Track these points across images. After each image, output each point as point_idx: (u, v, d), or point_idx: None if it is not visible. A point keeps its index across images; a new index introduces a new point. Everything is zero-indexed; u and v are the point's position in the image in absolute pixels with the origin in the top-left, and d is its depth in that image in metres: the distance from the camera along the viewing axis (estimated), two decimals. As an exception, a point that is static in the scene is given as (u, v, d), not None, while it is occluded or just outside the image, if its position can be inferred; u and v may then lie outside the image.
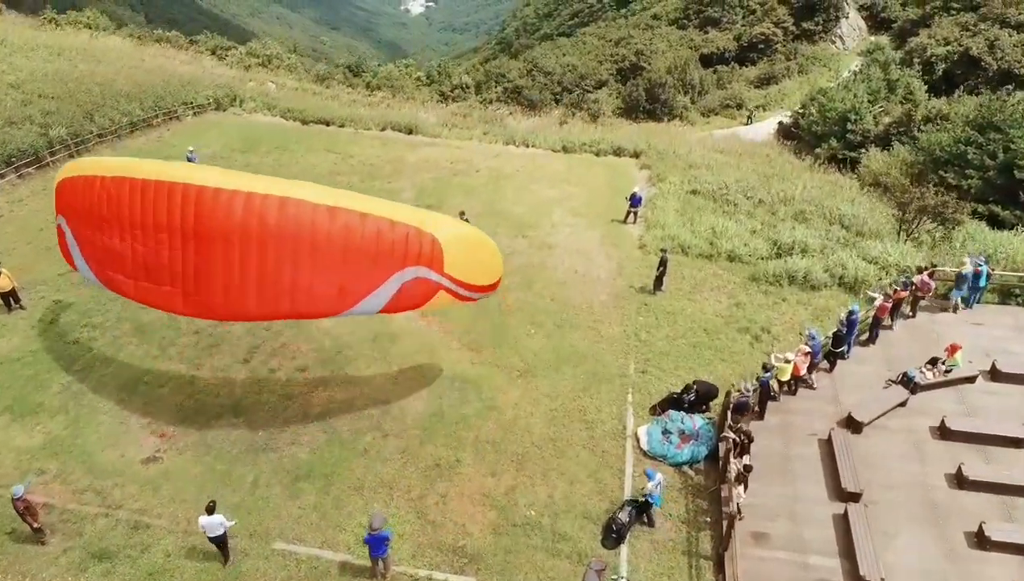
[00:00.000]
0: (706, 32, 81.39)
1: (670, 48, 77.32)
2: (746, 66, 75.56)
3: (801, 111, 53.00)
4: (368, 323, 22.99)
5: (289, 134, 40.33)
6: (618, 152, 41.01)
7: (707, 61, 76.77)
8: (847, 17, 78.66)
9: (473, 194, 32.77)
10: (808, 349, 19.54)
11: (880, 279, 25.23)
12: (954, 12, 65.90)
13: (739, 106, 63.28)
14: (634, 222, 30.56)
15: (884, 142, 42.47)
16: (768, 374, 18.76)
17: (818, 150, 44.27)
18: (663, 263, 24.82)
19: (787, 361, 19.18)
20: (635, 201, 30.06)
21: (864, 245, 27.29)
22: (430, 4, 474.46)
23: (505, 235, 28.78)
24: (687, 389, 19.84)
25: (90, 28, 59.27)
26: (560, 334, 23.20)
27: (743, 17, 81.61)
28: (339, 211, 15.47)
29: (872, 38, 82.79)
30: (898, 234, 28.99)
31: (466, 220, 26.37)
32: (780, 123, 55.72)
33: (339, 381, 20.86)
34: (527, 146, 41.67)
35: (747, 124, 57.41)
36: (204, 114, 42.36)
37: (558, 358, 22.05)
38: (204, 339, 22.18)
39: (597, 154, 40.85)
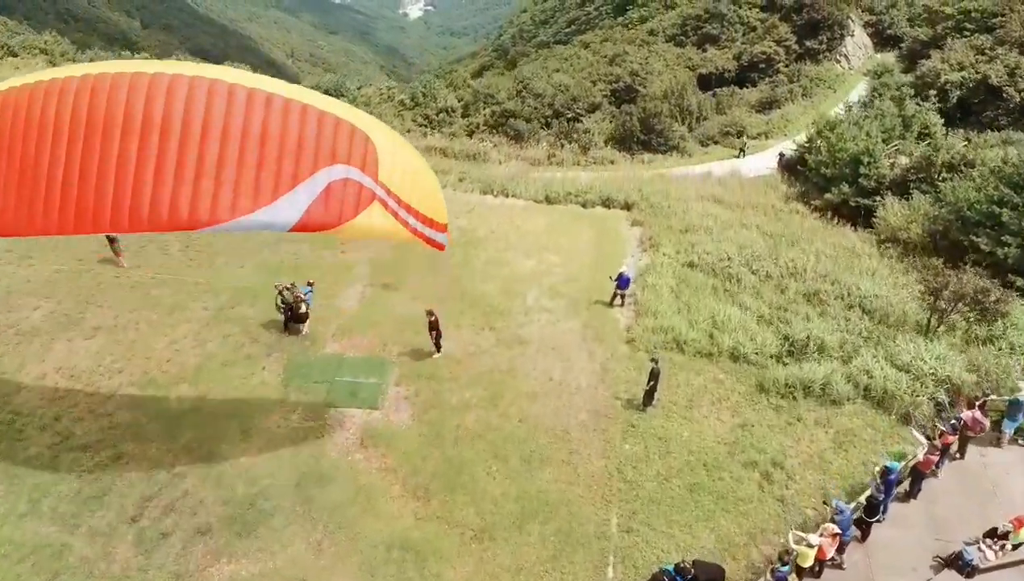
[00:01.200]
0: (704, 50, 76.76)
1: (667, 68, 72.75)
2: (746, 87, 70.97)
3: (807, 145, 48.46)
4: (292, 461, 18.59)
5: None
6: (607, 203, 36.58)
7: (705, 82, 72.20)
8: (852, 35, 74.10)
9: (437, 266, 28.25)
10: (836, 529, 15.10)
11: (914, 394, 20.75)
12: (967, 33, 61.31)
13: (739, 134, 58.69)
14: (621, 305, 26.07)
15: (902, 189, 37.91)
16: (786, 567, 14.37)
17: (828, 195, 39.69)
18: (654, 376, 20.36)
19: (810, 545, 14.76)
20: (622, 282, 25.55)
21: (892, 345, 22.77)
22: (429, 8, 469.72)
23: (470, 326, 24.34)
24: (682, 571, 15.36)
25: (46, 53, 54.73)
26: (528, 473, 18.72)
27: (743, 34, 77.00)
28: (258, 93, 12.84)
29: (878, 56, 78.24)
30: (927, 324, 24.50)
31: (434, 320, 22.03)
32: (781, 155, 51.27)
33: (248, 550, 16.39)
34: (506, 196, 37.17)
35: (739, 157, 52.86)
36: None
37: (523, 511, 17.58)
38: (88, 486, 17.68)
39: (584, 205, 36.40)
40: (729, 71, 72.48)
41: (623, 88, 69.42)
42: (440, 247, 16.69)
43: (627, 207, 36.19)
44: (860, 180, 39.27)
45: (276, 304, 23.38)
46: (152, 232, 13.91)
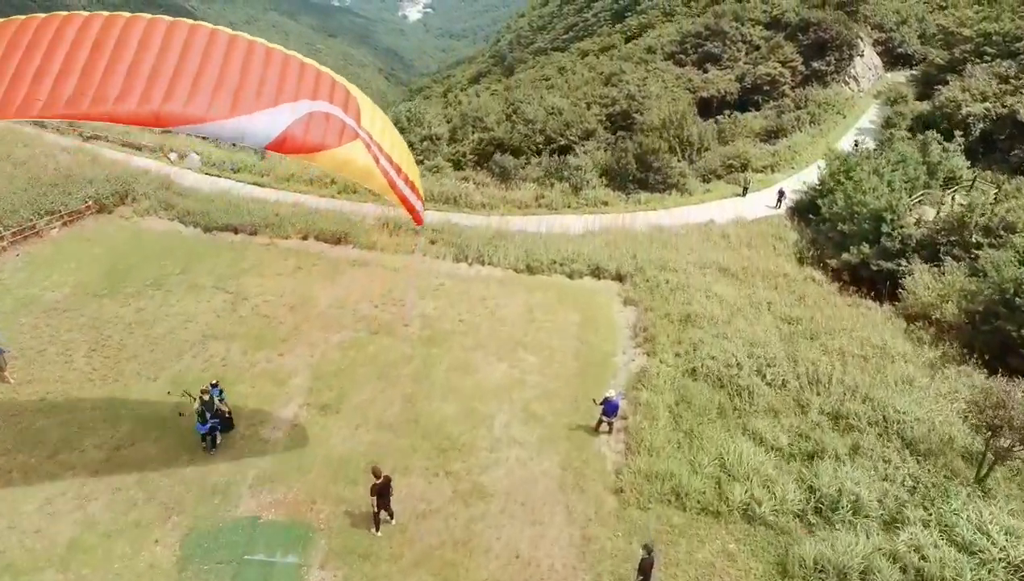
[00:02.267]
0: (705, 70, 71.69)
1: (665, 90, 67.70)
2: (749, 111, 66.01)
3: (820, 187, 43.67)
4: None
5: (178, 253, 30.82)
6: (597, 273, 31.71)
7: (706, 106, 67.21)
8: (862, 55, 69.02)
9: (390, 376, 23.39)
10: None
11: (981, 588, 15.93)
12: (988, 58, 56.21)
13: (744, 167, 53.83)
14: (609, 433, 21.23)
15: (931, 252, 33.09)
16: None
17: (845, 255, 34.80)
18: (644, 570, 15.56)
19: None
20: (609, 408, 20.65)
21: (945, 506, 17.91)
22: (428, 10, 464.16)
23: (422, 471, 19.45)
24: None
25: None
26: None
27: (746, 54, 71.94)
28: (244, 37, 14.10)
29: (889, 76, 73.28)
30: (981, 463, 19.66)
31: (382, 484, 17.04)
32: (781, 193, 46.51)
33: None
34: (482, 263, 32.28)
35: (742, 195, 48.01)
36: (81, 222, 32.90)
37: None
38: None
39: (571, 276, 31.53)
40: (731, 94, 67.44)
41: (619, 113, 64.45)
42: (418, 220, 16.47)
43: (619, 278, 31.33)
44: (882, 239, 34.42)
45: (197, 412, 19.03)
46: (120, 123, 12.69)
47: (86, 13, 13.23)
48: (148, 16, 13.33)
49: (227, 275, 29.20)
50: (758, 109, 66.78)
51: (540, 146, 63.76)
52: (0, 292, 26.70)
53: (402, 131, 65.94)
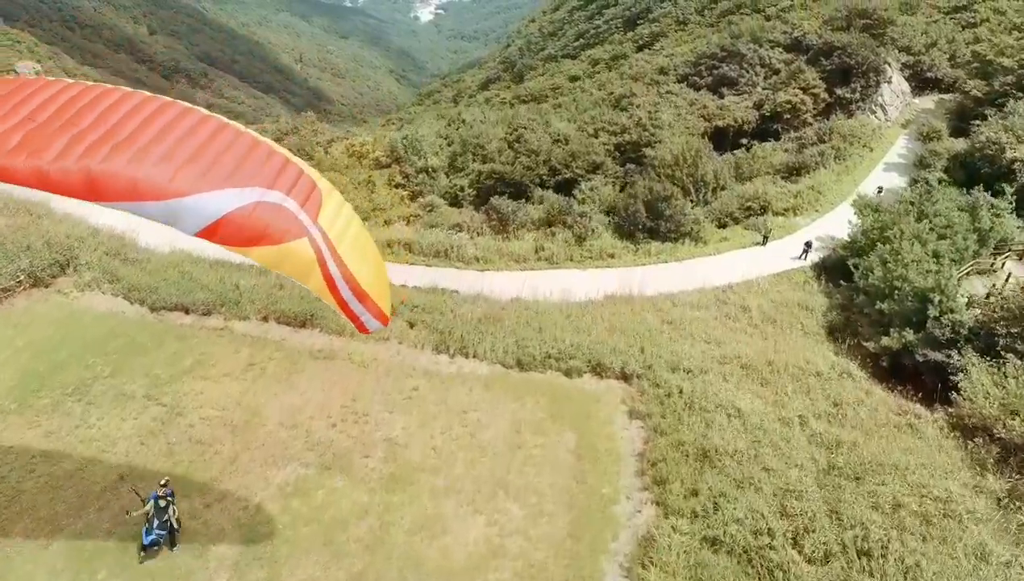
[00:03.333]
0: (720, 96, 66.35)
1: (678, 119, 62.55)
2: (768, 141, 60.77)
3: (851, 245, 38.83)
4: None
5: (113, 346, 26.17)
6: (598, 369, 26.87)
7: (722, 136, 61.97)
8: (889, 81, 63.57)
9: (337, 541, 18.65)
10: None
11: None
12: (1033, 93, 50.88)
13: (763, 209, 48.84)
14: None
15: (986, 344, 28.09)
16: None
17: (885, 340, 29.78)
18: None
19: None
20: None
21: None
22: (440, 12, 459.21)
23: None
24: None
25: None
26: None
27: (765, 78, 66.60)
28: (213, 116, 12.98)
29: (917, 101, 67.81)
30: None
31: None
32: (808, 245, 41.59)
33: None
34: (466, 356, 27.48)
35: (762, 245, 43.07)
36: (10, 300, 28.32)
37: None
38: None
39: (568, 374, 26.70)
40: (749, 123, 62.15)
41: (629, 144, 59.43)
42: (364, 330, 14.73)
43: (625, 378, 26.52)
44: (929, 324, 29.41)
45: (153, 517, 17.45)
46: (40, 189, 10.89)
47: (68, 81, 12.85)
48: (105, 86, 12.91)
49: (164, 378, 24.56)
50: (777, 139, 61.50)
51: (544, 178, 58.96)
52: None
53: (397, 161, 61.40)
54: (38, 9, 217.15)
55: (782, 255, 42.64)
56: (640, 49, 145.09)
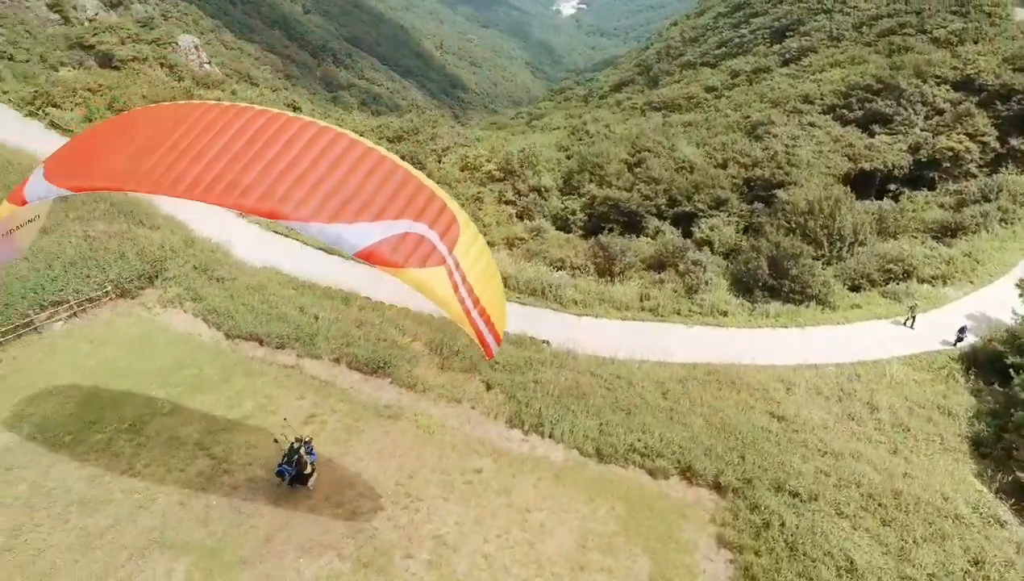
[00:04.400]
0: (871, 133, 59.57)
1: (819, 156, 56.59)
2: (921, 191, 53.85)
3: (1012, 339, 32.95)
4: None
5: (183, 375, 25.00)
6: (688, 473, 23.25)
7: (866, 180, 55.59)
8: (1077, 134, 54.87)
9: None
10: None
11: None
12: None
13: (906, 275, 42.81)
14: None
15: None
16: None
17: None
18: None
19: None
20: None
21: None
22: (582, 6, 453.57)
23: None
24: None
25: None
26: None
27: (925, 119, 59.18)
28: (373, 149, 14.91)
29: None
30: None
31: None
32: (963, 331, 35.62)
33: None
34: (541, 435, 24.52)
35: (908, 325, 37.22)
36: (94, 312, 27.96)
37: None
38: None
39: (652, 474, 23.25)
40: (901, 168, 55.38)
41: (759, 180, 54.31)
42: (489, 354, 15.91)
43: (718, 489, 22.79)
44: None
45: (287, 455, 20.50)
46: (244, 211, 13.81)
47: (227, 104, 15.12)
48: (288, 115, 14.83)
49: (221, 424, 23.10)
50: (932, 190, 54.46)
51: (662, 208, 54.99)
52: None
53: (511, 174, 59.03)
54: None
55: (929, 337, 36.92)
56: (786, 64, 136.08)
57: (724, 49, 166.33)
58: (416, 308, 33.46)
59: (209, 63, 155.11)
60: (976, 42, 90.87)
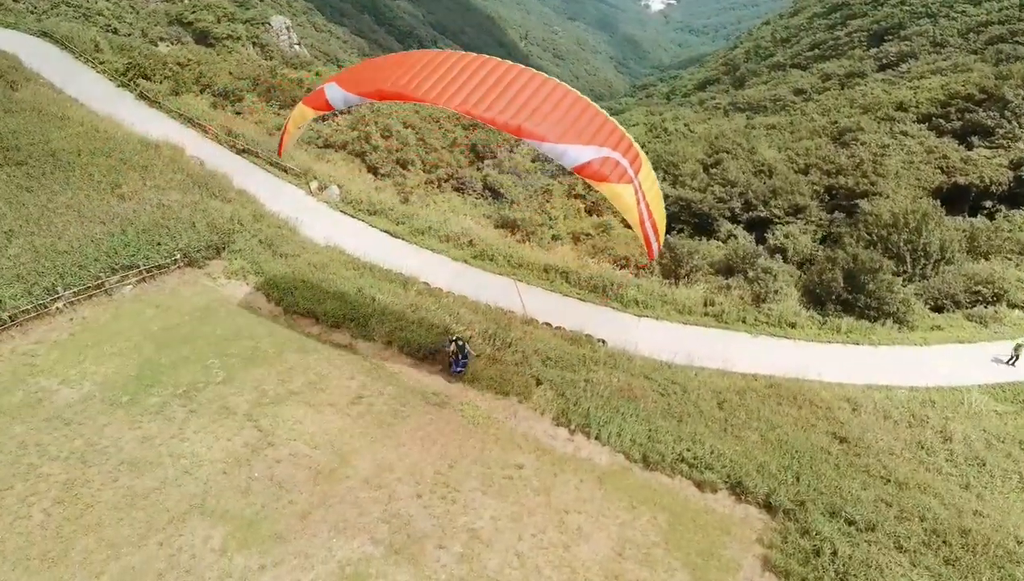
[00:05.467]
0: (968, 146, 55.97)
1: (908, 167, 53.48)
2: (1020, 209, 50.18)
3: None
4: None
5: (237, 346, 25.52)
6: (737, 489, 22.09)
7: (960, 195, 52.23)
8: None
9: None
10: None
11: None
12: None
13: (996, 298, 39.92)
14: None
15: None
16: None
17: None
18: None
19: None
20: None
21: None
22: (672, 2, 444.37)
23: None
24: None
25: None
26: None
27: (1031, 133, 55.23)
28: (585, 99, 19.61)
29: None
30: None
31: None
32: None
33: None
34: (587, 436, 23.70)
35: (1011, 363, 34.44)
36: (162, 278, 28.79)
37: None
38: None
39: (700, 486, 22.17)
40: (999, 184, 51.80)
41: (842, 189, 51.76)
42: (651, 256, 21.23)
43: (768, 508, 21.64)
44: None
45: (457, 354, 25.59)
46: (495, 127, 18.71)
47: (484, 57, 19.92)
48: (521, 67, 19.63)
49: (271, 396, 23.37)
50: (1031, 209, 50.79)
51: (736, 212, 53.18)
52: (19, 377, 22.79)
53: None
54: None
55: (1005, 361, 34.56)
56: (882, 69, 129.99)
57: (817, 51, 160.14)
58: (473, 296, 33.32)
59: (299, 44, 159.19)
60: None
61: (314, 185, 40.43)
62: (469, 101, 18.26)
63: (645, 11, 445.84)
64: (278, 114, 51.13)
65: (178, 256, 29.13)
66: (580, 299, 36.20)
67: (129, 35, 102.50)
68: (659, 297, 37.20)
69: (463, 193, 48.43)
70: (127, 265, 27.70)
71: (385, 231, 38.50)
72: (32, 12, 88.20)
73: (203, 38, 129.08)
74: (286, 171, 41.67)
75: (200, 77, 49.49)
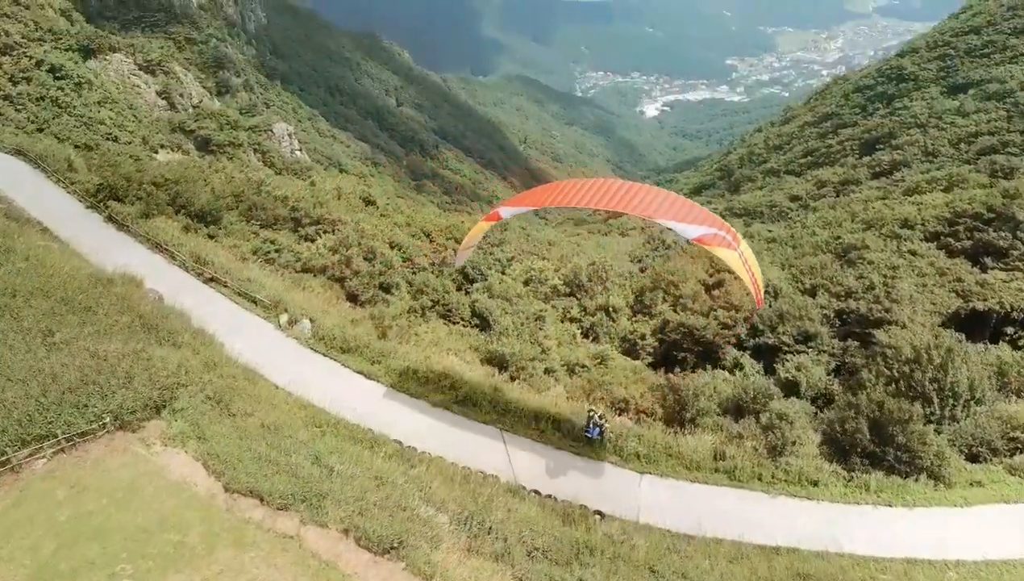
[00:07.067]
0: (983, 268, 52.77)
1: (922, 290, 50.01)
2: (1045, 336, 46.37)
3: None
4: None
5: (161, 541, 20.74)
6: None
7: (979, 321, 48.47)
8: None
9: None
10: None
11: None
12: None
13: (1033, 446, 35.53)
14: None
15: None
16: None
17: None
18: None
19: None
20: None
21: None
22: (666, 109, 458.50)
23: None
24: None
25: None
26: None
27: (1047, 254, 52.04)
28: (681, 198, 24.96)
29: None
30: None
31: None
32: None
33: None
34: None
35: None
36: (84, 448, 24.36)
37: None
38: None
39: None
40: (1021, 310, 48.04)
41: (854, 315, 48.01)
42: (759, 304, 26.59)
43: None
44: None
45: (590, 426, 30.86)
46: (631, 213, 24.09)
47: (603, 180, 25.11)
48: (631, 183, 24.84)
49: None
50: (1058, 335, 46.82)
51: (742, 339, 49.27)
52: None
53: (578, 288, 54.84)
54: (310, 76, 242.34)
55: None
56: (876, 177, 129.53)
57: (810, 158, 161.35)
58: (452, 456, 29.00)
59: (300, 150, 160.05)
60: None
61: (283, 319, 36.70)
62: (602, 202, 23.87)
63: (640, 117, 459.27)
64: (257, 235, 48.10)
65: (107, 419, 24.73)
66: (574, 452, 31.80)
67: (129, 143, 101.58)
68: (663, 449, 32.72)
69: (450, 321, 44.72)
70: (42, 434, 23.34)
71: (359, 372, 34.51)
72: (33, 121, 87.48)
73: (205, 144, 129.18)
74: (256, 302, 38.05)
75: (176, 197, 46.73)
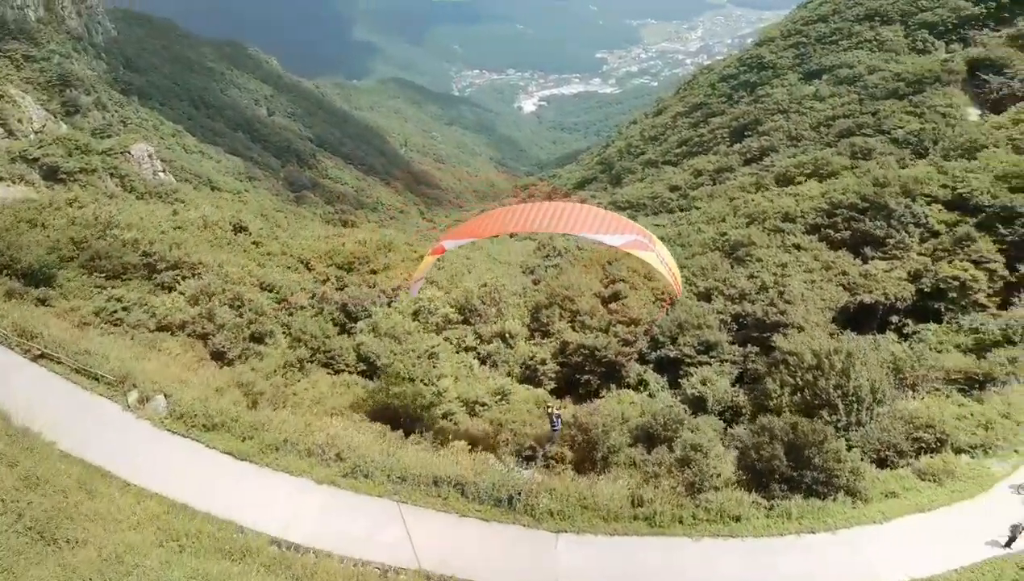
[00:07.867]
0: (864, 259, 53.40)
1: (812, 287, 49.90)
2: (929, 324, 47.14)
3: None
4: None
5: None
6: None
7: (867, 312, 48.91)
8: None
9: None
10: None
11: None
12: None
13: (940, 444, 35.17)
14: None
15: None
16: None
17: None
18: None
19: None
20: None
21: None
22: (543, 104, 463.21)
23: None
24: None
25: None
26: None
27: (921, 241, 53.22)
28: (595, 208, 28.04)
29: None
30: None
31: None
32: (1016, 531, 27.44)
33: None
34: None
35: (1007, 546, 28.50)
36: None
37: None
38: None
39: None
40: (903, 299, 48.67)
41: (750, 319, 47.14)
42: (678, 293, 28.28)
43: None
44: None
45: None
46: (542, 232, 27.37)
47: (535, 204, 26.38)
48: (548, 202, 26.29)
49: None
50: (938, 321, 47.75)
51: (644, 353, 47.36)
52: None
53: (473, 312, 51.27)
54: (171, 89, 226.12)
55: (971, 529, 29.13)
56: (747, 163, 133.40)
57: (685, 148, 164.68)
58: (343, 548, 24.88)
59: (164, 171, 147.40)
60: (936, 143, 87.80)
61: (132, 398, 31.05)
62: (529, 224, 24.99)
63: (519, 113, 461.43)
64: (102, 290, 41.46)
65: None
66: (482, 519, 28.28)
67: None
68: (577, 501, 29.62)
69: (333, 369, 40.06)
70: None
71: (227, 452, 29.46)
72: None
73: (52, 173, 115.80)
74: (98, 379, 32.12)
75: (-2, 256, 39.46)
